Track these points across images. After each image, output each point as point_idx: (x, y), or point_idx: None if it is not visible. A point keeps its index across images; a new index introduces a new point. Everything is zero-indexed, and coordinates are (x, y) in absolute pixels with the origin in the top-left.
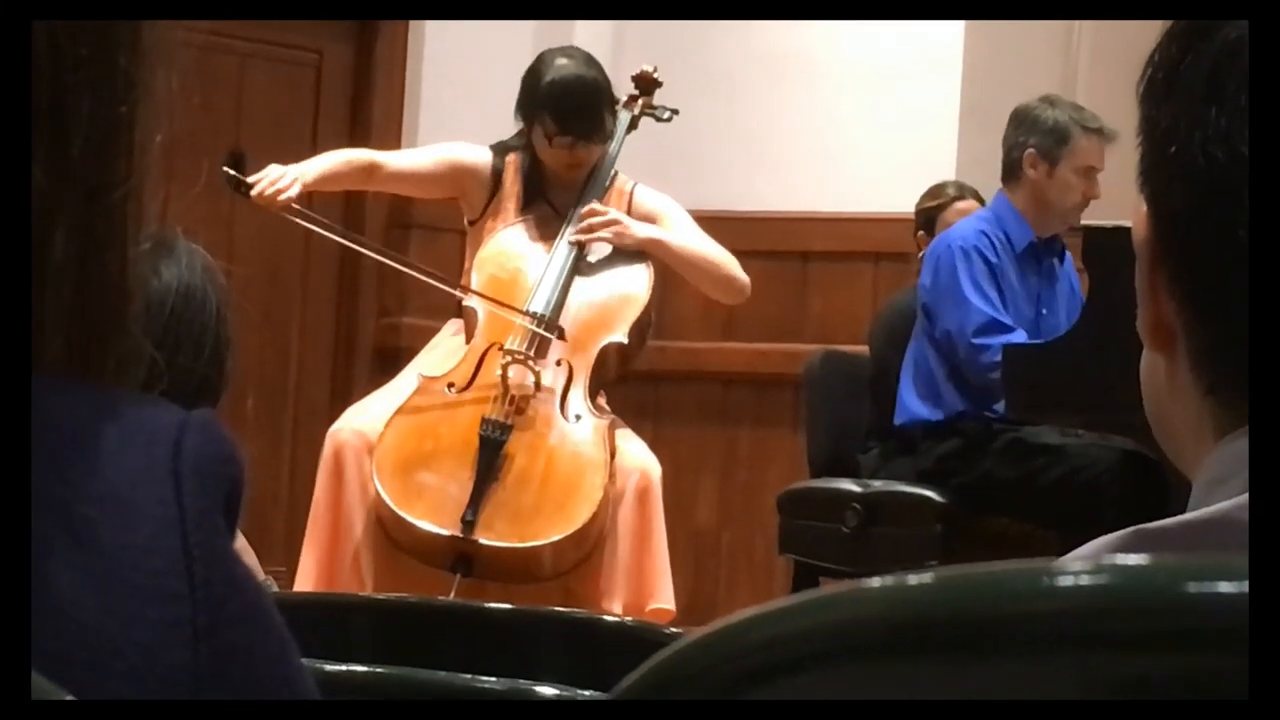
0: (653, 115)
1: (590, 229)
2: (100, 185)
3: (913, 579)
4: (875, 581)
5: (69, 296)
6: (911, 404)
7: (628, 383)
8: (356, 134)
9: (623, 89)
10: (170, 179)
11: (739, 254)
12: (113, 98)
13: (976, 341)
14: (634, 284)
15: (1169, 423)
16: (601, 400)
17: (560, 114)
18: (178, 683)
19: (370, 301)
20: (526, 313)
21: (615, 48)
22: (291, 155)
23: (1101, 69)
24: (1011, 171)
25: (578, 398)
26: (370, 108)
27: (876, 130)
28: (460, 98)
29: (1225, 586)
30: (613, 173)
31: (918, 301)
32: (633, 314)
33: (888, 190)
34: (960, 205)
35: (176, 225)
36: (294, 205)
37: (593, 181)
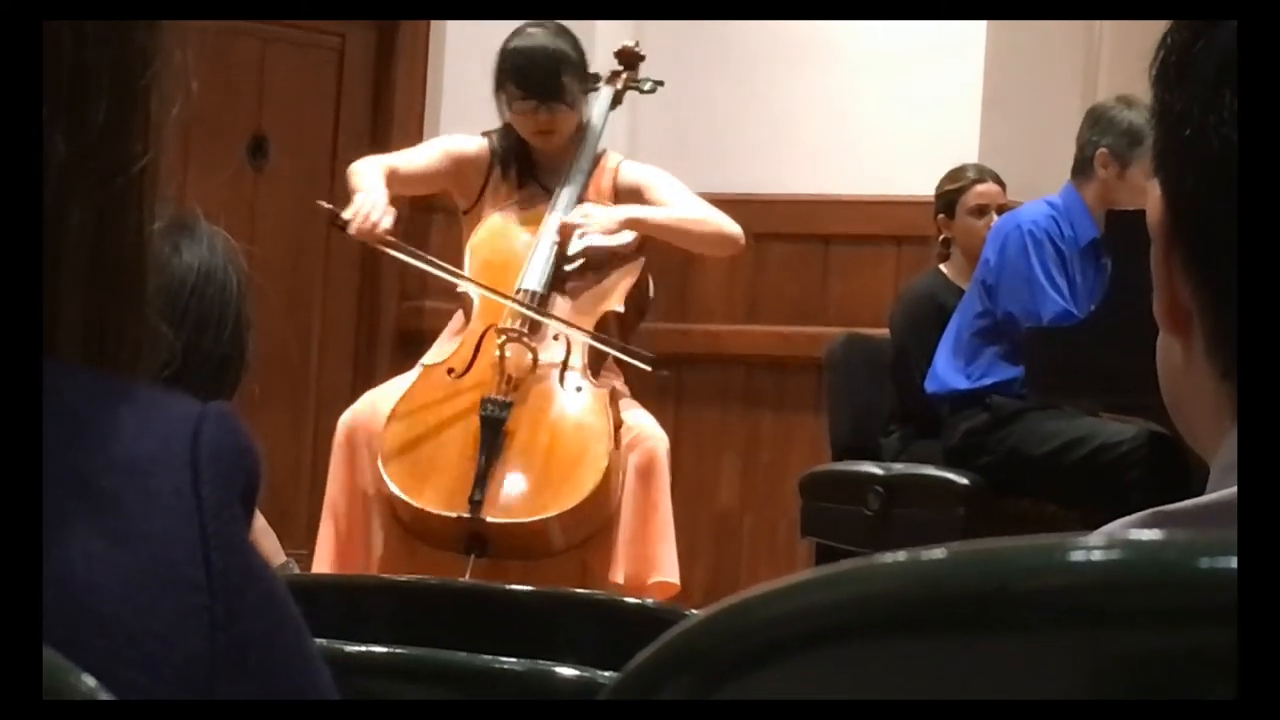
0: (635, 88)
1: (569, 238)
2: (118, 160)
3: (923, 554)
4: (885, 557)
5: (84, 271)
6: (947, 374)
7: None
8: (379, 119)
9: (646, 75)
10: (193, 162)
11: (760, 237)
12: (131, 71)
13: None
14: (626, 253)
15: (1185, 406)
16: (618, 382)
17: (520, 78)
18: (194, 672)
19: (392, 285)
20: (518, 292)
21: (636, 31)
22: (314, 140)
23: (1124, 52)
24: (1082, 168)
25: (576, 370)
26: (392, 93)
27: (898, 113)
28: (482, 82)
29: (1235, 563)
30: (601, 150)
31: (975, 276)
32: (627, 282)
33: (909, 173)
34: (980, 188)
35: (197, 207)
36: (390, 238)
37: (578, 159)
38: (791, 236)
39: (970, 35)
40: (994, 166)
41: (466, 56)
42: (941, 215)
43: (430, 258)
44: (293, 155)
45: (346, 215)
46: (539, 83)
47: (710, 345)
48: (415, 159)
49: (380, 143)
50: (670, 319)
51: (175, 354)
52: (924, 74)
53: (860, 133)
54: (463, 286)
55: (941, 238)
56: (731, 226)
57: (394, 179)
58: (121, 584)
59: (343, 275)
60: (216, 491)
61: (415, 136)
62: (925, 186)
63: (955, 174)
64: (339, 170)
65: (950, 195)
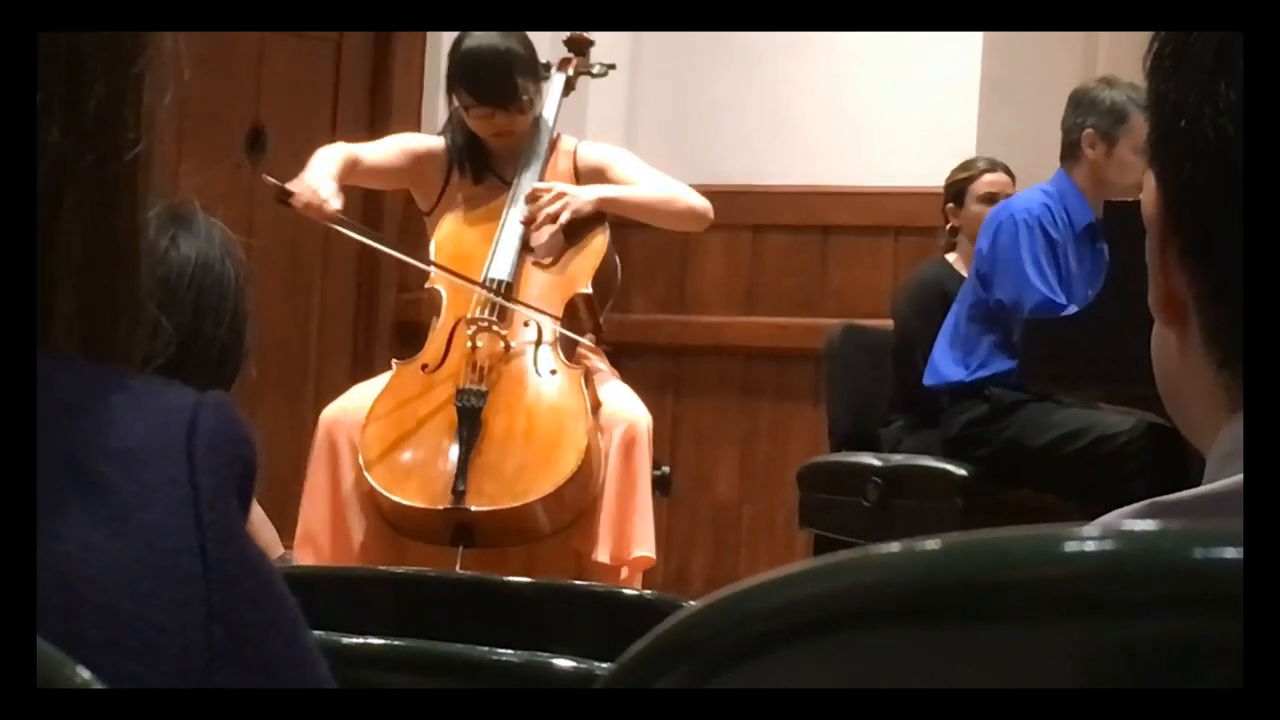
0: (587, 73)
1: (541, 213)
2: (112, 148)
3: (918, 545)
4: (881, 548)
5: (78, 260)
6: (944, 366)
7: (649, 356)
8: (376, 111)
9: (645, 65)
10: (191, 154)
11: (759, 228)
12: (125, 57)
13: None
14: (590, 234)
15: (1181, 397)
16: (596, 361)
17: (472, 84)
18: (191, 662)
19: (390, 276)
20: (485, 280)
21: None
22: (311, 132)
23: (1122, 40)
24: (1070, 151)
25: (548, 353)
26: (390, 85)
27: (897, 104)
28: None
29: (1230, 552)
30: (555, 135)
31: (972, 266)
32: (593, 264)
33: (908, 164)
34: (989, 178)
35: (195, 199)
36: (340, 215)
37: (533, 147)
38: (790, 227)
39: None
40: (992, 155)
41: None
42: (950, 204)
43: (382, 236)
44: (291, 147)
45: (292, 188)
46: (494, 88)
47: (709, 336)
48: (377, 152)
49: (378, 134)
50: (669, 310)
51: (171, 342)
52: (922, 64)
53: (859, 123)
54: (435, 274)
55: (949, 226)
56: (700, 201)
57: (357, 167)
58: (119, 574)
59: (341, 267)
60: (213, 482)
61: (413, 128)
62: (924, 177)
63: (967, 164)
64: None
65: (960, 184)
